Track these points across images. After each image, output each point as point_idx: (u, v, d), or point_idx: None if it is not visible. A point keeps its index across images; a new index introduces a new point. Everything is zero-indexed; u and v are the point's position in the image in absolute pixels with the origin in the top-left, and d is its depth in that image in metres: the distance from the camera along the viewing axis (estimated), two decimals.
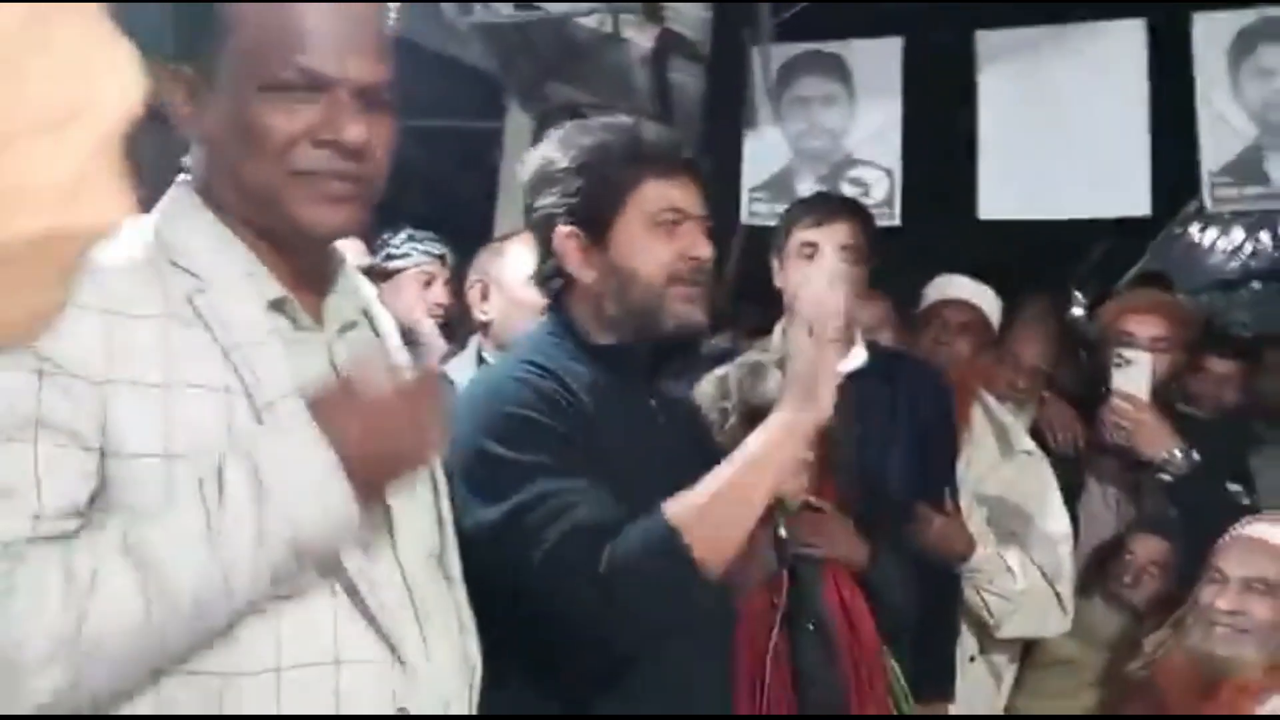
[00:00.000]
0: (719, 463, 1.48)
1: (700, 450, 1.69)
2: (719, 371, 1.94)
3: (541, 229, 1.61)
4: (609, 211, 1.56)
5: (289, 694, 1.08)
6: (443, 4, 3.08)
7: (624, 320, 1.58)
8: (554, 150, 1.60)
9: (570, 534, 1.40)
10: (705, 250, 1.58)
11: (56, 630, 0.95)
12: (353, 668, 1.11)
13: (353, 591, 1.12)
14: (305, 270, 1.21)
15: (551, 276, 1.63)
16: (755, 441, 1.46)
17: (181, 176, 1.20)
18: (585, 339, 1.60)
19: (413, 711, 1.15)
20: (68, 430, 1.01)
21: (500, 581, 1.39)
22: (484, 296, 2.39)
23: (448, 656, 1.24)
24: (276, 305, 1.16)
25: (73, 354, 1.01)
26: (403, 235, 2.85)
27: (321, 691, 1.10)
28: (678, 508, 1.42)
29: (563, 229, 1.57)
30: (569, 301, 1.63)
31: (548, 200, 1.59)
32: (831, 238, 2.32)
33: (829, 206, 2.42)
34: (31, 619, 0.95)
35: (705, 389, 1.82)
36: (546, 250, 1.61)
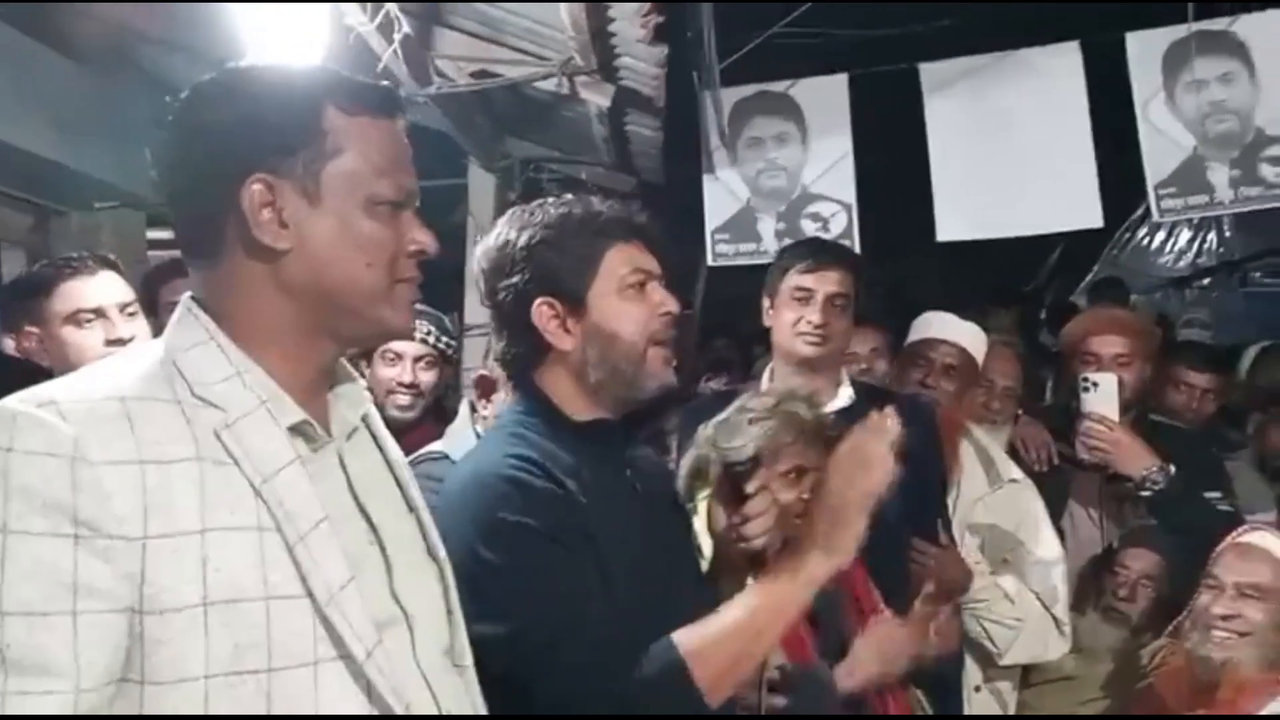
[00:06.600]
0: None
1: (678, 514, 1.77)
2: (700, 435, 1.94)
3: (512, 307, 1.63)
4: (583, 279, 1.60)
5: None
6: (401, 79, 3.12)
7: (607, 385, 1.62)
8: (511, 232, 1.63)
9: (583, 660, 1.44)
10: (673, 304, 1.64)
11: None
12: None
13: (389, 715, 1.10)
14: (317, 381, 1.22)
15: (524, 354, 1.65)
16: (777, 585, 1.50)
17: (184, 298, 1.18)
18: (562, 416, 1.63)
19: None
20: (106, 595, 0.99)
21: (508, 682, 1.40)
22: (485, 394, 2.33)
23: None
24: (296, 429, 1.15)
25: (110, 515, 0.99)
26: None
27: None
28: (691, 641, 1.47)
29: (539, 302, 1.60)
30: (541, 378, 1.65)
31: (515, 279, 1.61)
32: (823, 284, 2.38)
33: (823, 254, 2.47)
34: None
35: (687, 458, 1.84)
36: (516, 328, 1.64)
